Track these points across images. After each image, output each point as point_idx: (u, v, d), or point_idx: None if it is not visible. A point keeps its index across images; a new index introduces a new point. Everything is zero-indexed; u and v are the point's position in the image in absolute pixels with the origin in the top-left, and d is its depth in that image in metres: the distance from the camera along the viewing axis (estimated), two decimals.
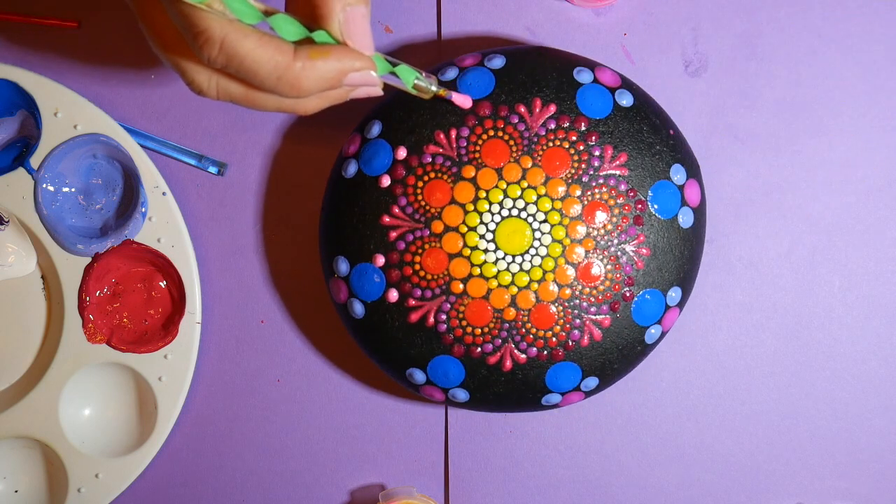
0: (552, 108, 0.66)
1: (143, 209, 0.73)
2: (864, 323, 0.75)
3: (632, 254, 0.66)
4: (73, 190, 0.75)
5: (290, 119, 0.75)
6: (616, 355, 0.67)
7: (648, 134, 0.67)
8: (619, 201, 0.65)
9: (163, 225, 0.73)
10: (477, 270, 0.65)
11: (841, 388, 0.75)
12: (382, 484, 0.76)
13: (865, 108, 0.74)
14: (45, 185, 0.73)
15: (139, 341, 0.74)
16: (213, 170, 0.75)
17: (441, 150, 0.66)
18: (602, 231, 0.65)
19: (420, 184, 0.66)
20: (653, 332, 0.67)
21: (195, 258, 0.74)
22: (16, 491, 0.76)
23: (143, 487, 0.76)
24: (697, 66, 0.74)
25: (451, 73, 0.67)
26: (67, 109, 0.73)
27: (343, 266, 0.67)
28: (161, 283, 0.75)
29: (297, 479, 0.76)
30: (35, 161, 0.72)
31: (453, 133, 0.66)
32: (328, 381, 0.76)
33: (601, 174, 0.65)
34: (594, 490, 0.75)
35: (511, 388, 0.67)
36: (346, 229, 0.67)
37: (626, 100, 0.67)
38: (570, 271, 0.65)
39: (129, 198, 0.75)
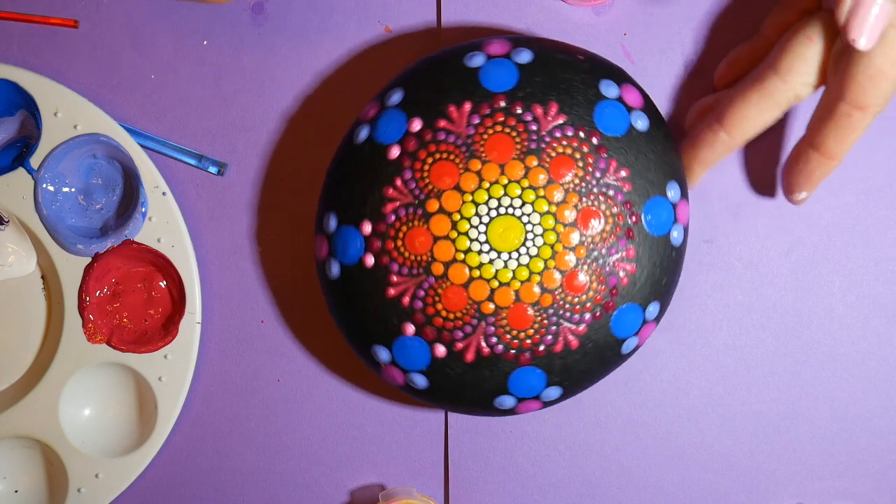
0: (568, 116, 0.65)
1: (143, 209, 0.73)
2: (864, 323, 0.75)
3: (619, 267, 0.65)
4: (73, 190, 0.75)
5: (289, 119, 0.75)
6: (587, 365, 0.66)
7: (655, 156, 0.66)
8: (613, 211, 0.65)
9: (163, 225, 0.73)
10: (461, 256, 0.64)
11: (841, 388, 0.75)
12: (382, 484, 0.76)
13: None
14: (45, 185, 0.73)
15: (139, 341, 0.74)
16: (213, 170, 0.75)
17: (452, 127, 0.65)
18: (593, 241, 0.65)
19: (430, 160, 0.65)
20: (629, 343, 0.67)
21: (195, 258, 0.74)
22: (16, 491, 0.76)
23: (143, 487, 0.76)
24: (698, 67, 0.74)
25: (479, 60, 0.67)
26: (67, 109, 0.73)
27: (332, 223, 0.67)
28: (161, 283, 0.75)
29: (297, 479, 0.76)
30: (35, 161, 0.73)
31: (467, 107, 0.65)
32: (328, 381, 0.76)
33: (601, 184, 0.65)
34: (594, 490, 0.75)
35: (472, 379, 0.66)
36: (344, 192, 0.67)
37: (641, 122, 0.67)
38: (557, 276, 0.64)
39: (129, 198, 0.75)
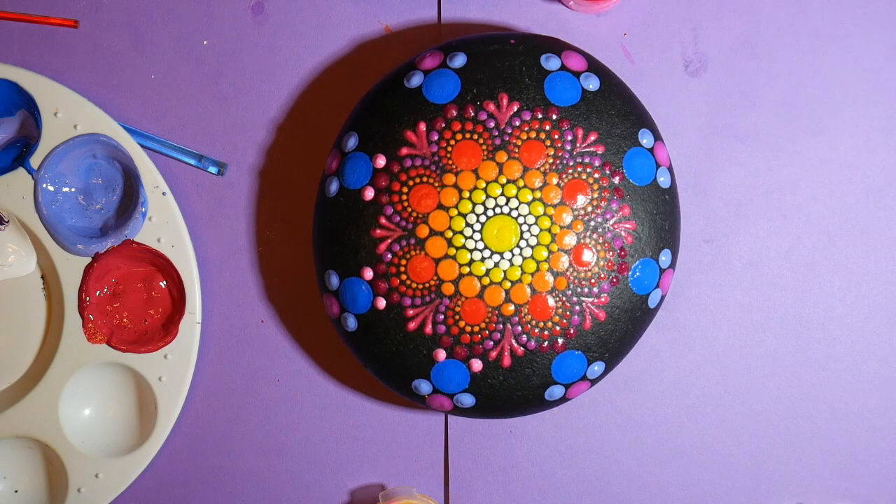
0: (522, 102, 0.66)
1: (143, 209, 0.73)
2: (864, 323, 0.75)
3: (619, 228, 0.66)
4: (73, 190, 0.75)
5: (289, 119, 0.75)
6: (621, 332, 0.66)
7: (615, 110, 0.67)
8: (595, 177, 0.65)
9: (163, 225, 0.73)
10: (466, 269, 0.65)
11: (841, 388, 0.75)
12: (382, 484, 0.76)
13: (865, 108, 0.74)
14: (45, 185, 0.73)
15: (139, 341, 0.74)
16: (213, 170, 0.75)
17: (415, 151, 0.65)
18: (586, 212, 0.65)
19: (405, 189, 0.65)
20: (653, 297, 0.67)
21: (195, 258, 0.74)
22: (16, 491, 0.76)
23: (143, 487, 0.76)
24: (697, 66, 0.74)
25: (417, 80, 0.67)
26: (67, 109, 0.73)
27: (334, 280, 0.67)
28: (161, 283, 0.75)
29: (297, 479, 0.76)
30: (35, 161, 0.72)
31: (422, 127, 0.66)
32: (328, 382, 0.76)
33: (575, 156, 0.65)
34: (594, 490, 0.75)
35: (516, 382, 0.66)
36: (335, 247, 0.67)
37: (592, 83, 0.67)
38: (563, 258, 0.65)
39: (129, 198, 0.75)
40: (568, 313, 0.65)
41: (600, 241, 0.65)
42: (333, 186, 0.67)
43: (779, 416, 0.75)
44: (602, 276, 0.65)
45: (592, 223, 0.65)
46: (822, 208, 0.74)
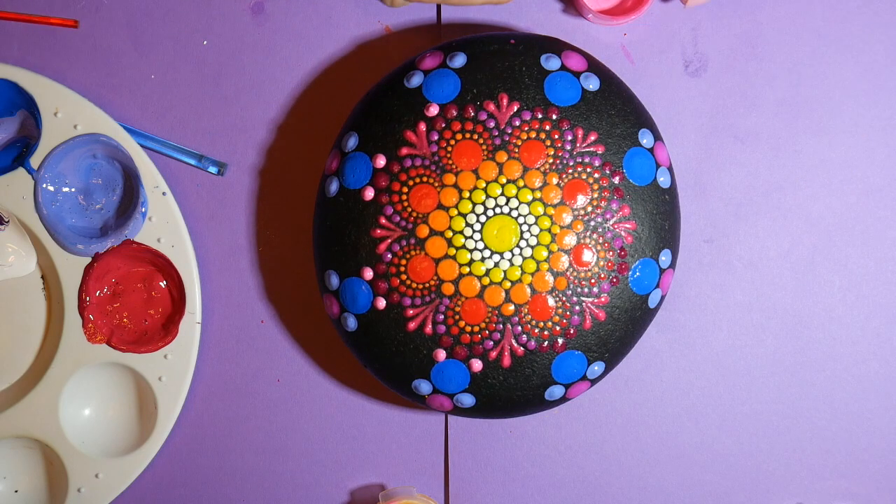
0: (522, 102, 0.66)
1: (143, 209, 0.73)
2: (864, 323, 0.75)
3: (619, 228, 0.66)
4: (73, 190, 0.75)
5: (289, 119, 0.75)
6: (621, 332, 0.67)
7: (615, 110, 0.67)
8: (595, 177, 0.65)
9: (163, 225, 0.73)
10: (466, 269, 0.65)
11: (841, 388, 0.75)
12: (382, 484, 0.76)
13: (865, 108, 0.74)
14: (45, 185, 0.73)
15: (139, 341, 0.74)
16: (213, 170, 0.75)
17: (415, 151, 0.66)
18: (586, 212, 0.65)
19: (405, 189, 0.65)
20: (653, 297, 0.67)
21: (195, 258, 0.74)
22: (16, 491, 0.76)
23: (143, 487, 0.76)
24: (697, 66, 0.74)
25: (417, 80, 0.67)
26: (67, 109, 0.73)
27: (334, 280, 0.67)
28: (161, 283, 0.75)
29: (297, 479, 0.76)
30: (35, 161, 0.72)
31: (422, 127, 0.66)
32: (328, 382, 0.76)
33: (575, 156, 0.65)
34: (594, 490, 0.75)
35: (516, 382, 0.66)
36: (334, 247, 0.67)
37: (592, 83, 0.67)
38: (563, 258, 0.65)
39: (129, 198, 0.75)
40: (568, 313, 0.65)
41: (600, 241, 0.65)
42: (333, 186, 0.67)
43: (779, 416, 0.75)
44: (602, 276, 0.65)
45: (592, 223, 0.65)
46: (822, 208, 0.74)
